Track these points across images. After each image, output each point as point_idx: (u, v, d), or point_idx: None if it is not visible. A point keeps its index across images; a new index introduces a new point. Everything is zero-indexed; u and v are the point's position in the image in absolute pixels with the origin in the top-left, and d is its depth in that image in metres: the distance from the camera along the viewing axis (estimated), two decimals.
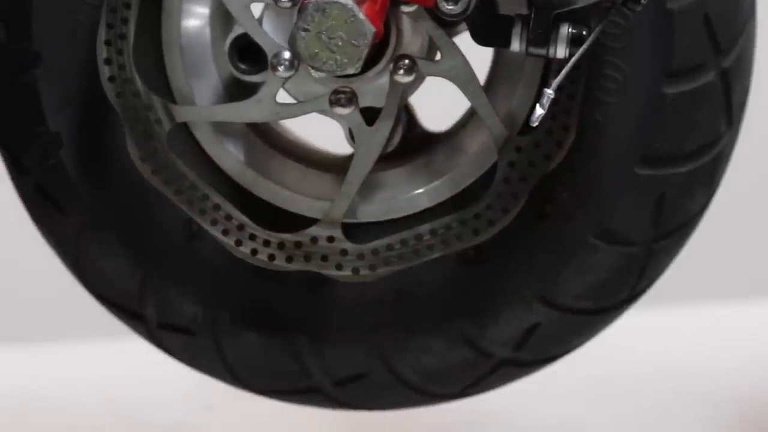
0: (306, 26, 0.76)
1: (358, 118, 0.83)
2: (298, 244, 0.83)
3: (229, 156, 0.88)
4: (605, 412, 1.40)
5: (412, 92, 0.84)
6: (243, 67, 0.87)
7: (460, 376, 0.85)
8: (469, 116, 0.87)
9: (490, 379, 0.86)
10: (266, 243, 0.82)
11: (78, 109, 0.84)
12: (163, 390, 1.45)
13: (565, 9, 0.76)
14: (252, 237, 0.82)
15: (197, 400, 1.41)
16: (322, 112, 0.82)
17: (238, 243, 0.81)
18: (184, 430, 1.42)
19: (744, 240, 1.82)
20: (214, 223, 0.84)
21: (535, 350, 0.84)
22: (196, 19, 0.89)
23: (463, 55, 0.81)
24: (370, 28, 0.75)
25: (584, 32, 0.76)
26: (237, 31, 0.85)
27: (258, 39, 0.83)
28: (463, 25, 0.81)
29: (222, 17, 0.89)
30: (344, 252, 0.81)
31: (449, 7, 0.77)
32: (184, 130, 0.87)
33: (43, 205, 0.86)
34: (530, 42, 0.76)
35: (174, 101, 0.87)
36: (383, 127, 0.83)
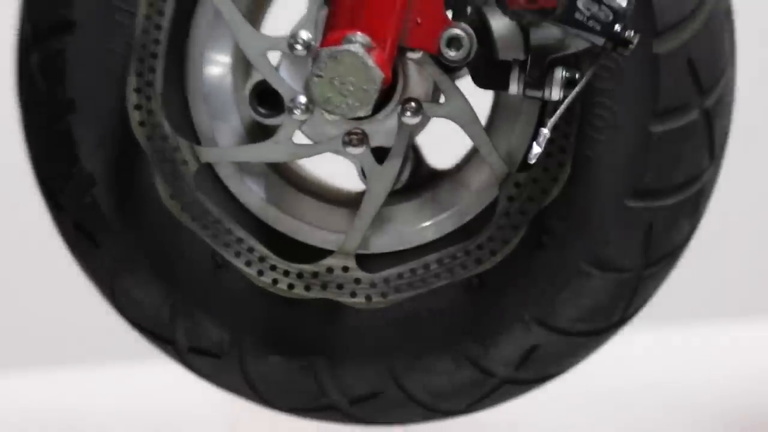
0: (320, 73, 0.79)
1: (370, 157, 0.87)
2: (315, 274, 0.86)
3: (251, 193, 0.91)
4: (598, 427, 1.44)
5: (418, 132, 0.87)
6: (262, 111, 0.90)
7: (465, 394, 0.89)
8: (472, 154, 0.90)
9: (492, 396, 0.90)
10: (286, 273, 0.85)
11: (110, 151, 0.87)
12: (190, 407, 1.50)
13: (559, 54, 0.79)
14: (273, 268, 0.85)
15: (223, 417, 1.39)
16: (336, 151, 0.86)
17: (260, 273, 0.84)
18: None
19: (728, 262, 1.82)
20: (237, 255, 0.87)
21: (534, 369, 0.87)
22: (218, 67, 0.92)
23: (465, 98, 0.85)
24: (380, 75, 0.78)
25: (577, 75, 0.79)
26: (256, 77, 0.89)
27: (276, 85, 0.86)
28: (465, 70, 0.85)
29: (242, 65, 0.93)
30: (358, 281, 0.84)
31: (452, 54, 0.81)
32: (209, 169, 0.89)
33: (80, 239, 0.90)
34: (527, 85, 0.79)
35: (199, 143, 0.90)
36: (393, 165, 0.87)
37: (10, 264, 1.83)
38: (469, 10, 0.83)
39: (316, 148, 0.86)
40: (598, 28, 0.77)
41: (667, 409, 1.46)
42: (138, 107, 0.85)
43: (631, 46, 0.77)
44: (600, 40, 0.78)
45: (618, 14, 0.78)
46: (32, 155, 0.91)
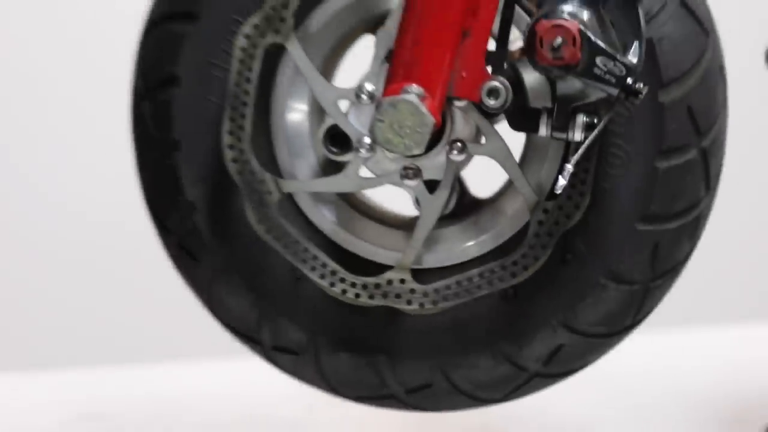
0: (381, 118, 0.87)
1: (423, 188, 0.94)
2: (377, 286, 0.96)
3: (324, 218, 0.99)
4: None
5: (463, 168, 0.95)
6: (334, 149, 0.97)
7: (502, 386, 0.97)
8: (507, 186, 0.97)
9: (525, 387, 0.98)
10: (353, 285, 0.95)
11: (208, 183, 0.95)
12: (274, 395, 1.59)
13: (580, 103, 0.86)
14: (342, 280, 0.95)
15: (301, 402, 1.46)
16: (395, 183, 0.94)
17: (332, 285, 0.94)
18: (292, 425, 1.55)
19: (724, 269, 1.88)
20: (313, 269, 0.97)
21: (560, 365, 0.95)
22: (297, 114, 1.00)
23: (502, 139, 0.93)
24: (431, 120, 0.86)
25: (595, 120, 0.87)
26: (329, 122, 0.96)
27: (345, 128, 0.94)
28: (502, 116, 0.92)
29: (317, 112, 1.00)
30: (413, 291, 0.93)
31: (491, 103, 0.87)
32: (289, 199, 0.98)
33: (183, 256, 0.98)
34: (554, 128, 0.87)
35: (281, 176, 0.97)
36: (442, 194, 0.94)
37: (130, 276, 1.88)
38: (505, 65, 0.90)
39: (379, 180, 0.94)
40: (613, 80, 0.83)
41: (667, 400, 1.52)
42: (231, 147, 0.94)
43: (641, 96, 0.84)
44: (614, 91, 0.84)
45: (630, 69, 0.83)
46: (143, 186, 0.99)
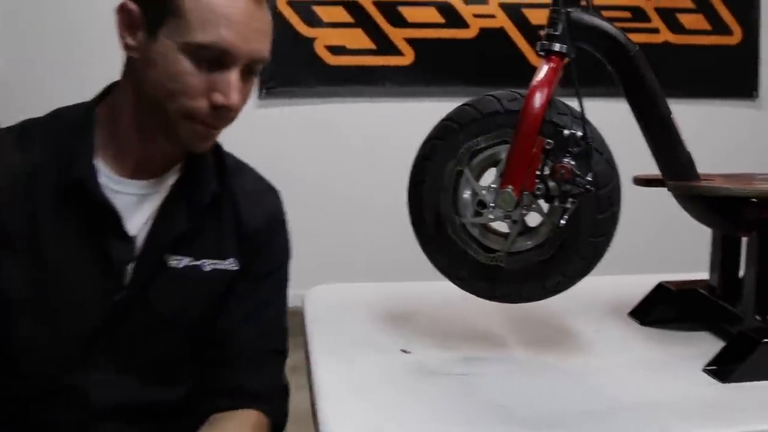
0: (499, 197, 1.62)
1: (511, 222, 1.66)
2: (496, 257, 1.72)
3: (476, 232, 1.74)
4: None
5: (526, 215, 1.69)
6: (479, 210, 1.70)
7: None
8: (541, 221, 1.67)
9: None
10: (487, 256, 1.73)
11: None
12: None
13: (570, 192, 1.59)
14: (489, 251, 1.72)
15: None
16: (501, 219, 1.66)
17: (486, 256, 1.77)
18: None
19: None
20: (477, 254, 1.76)
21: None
22: (466, 195, 1.75)
23: (541, 207, 1.67)
24: (514, 199, 1.60)
25: (573, 201, 1.57)
26: (478, 197, 1.69)
27: (484, 199, 1.66)
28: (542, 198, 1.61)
29: (474, 195, 1.71)
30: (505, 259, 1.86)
31: (537, 194, 1.64)
32: (464, 227, 1.76)
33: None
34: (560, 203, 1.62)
35: (460, 216, 1.72)
36: (519, 224, 1.68)
37: None
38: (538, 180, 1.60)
39: (497, 218, 1.65)
40: (583, 185, 1.56)
41: None
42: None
43: (591, 192, 1.55)
44: (584, 189, 1.55)
45: (589, 182, 1.55)
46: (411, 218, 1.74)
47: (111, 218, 1.51)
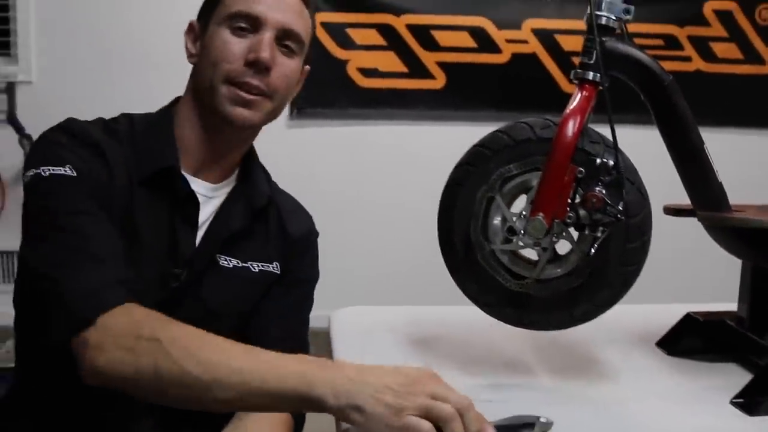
0: (528, 226, 1.63)
1: (541, 249, 1.65)
2: (524, 284, 1.73)
3: (505, 259, 1.76)
4: None
5: (556, 243, 1.70)
6: (509, 237, 1.71)
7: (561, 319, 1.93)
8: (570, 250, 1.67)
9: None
10: (517, 283, 1.73)
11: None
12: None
13: (600, 222, 1.60)
14: (517, 279, 1.70)
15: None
16: (531, 247, 1.65)
17: (514, 282, 1.69)
18: None
19: None
20: (506, 280, 1.73)
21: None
22: (497, 220, 1.75)
23: (571, 234, 1.67)
24: (545, 226, 1.59)
25: (603, 230, 1.58)
26: (508, 224, 1.68)
27: (514, 226, 1.67)
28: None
29: (503, 221, 1.71)
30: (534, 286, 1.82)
31: (567, 221, 1.65)
32: (494, 253, 1.76)
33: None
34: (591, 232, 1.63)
35: (498, 243, 1.69)
36: (548, 252, 1.67)
37: None
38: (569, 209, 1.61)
39: (526, 246, 1.65)
40: (614, 214, 1.57)
41: None
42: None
43: (622, 221, 1.55)
44: (614, 218, 1.56)
45: (620, 211, 1.56)
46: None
47: (190, 206, 1.65)
